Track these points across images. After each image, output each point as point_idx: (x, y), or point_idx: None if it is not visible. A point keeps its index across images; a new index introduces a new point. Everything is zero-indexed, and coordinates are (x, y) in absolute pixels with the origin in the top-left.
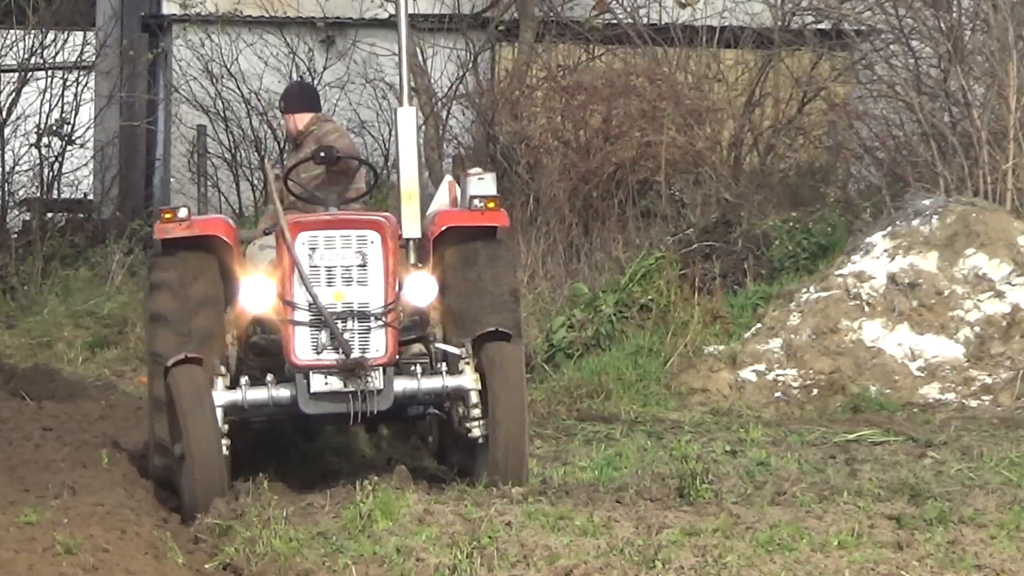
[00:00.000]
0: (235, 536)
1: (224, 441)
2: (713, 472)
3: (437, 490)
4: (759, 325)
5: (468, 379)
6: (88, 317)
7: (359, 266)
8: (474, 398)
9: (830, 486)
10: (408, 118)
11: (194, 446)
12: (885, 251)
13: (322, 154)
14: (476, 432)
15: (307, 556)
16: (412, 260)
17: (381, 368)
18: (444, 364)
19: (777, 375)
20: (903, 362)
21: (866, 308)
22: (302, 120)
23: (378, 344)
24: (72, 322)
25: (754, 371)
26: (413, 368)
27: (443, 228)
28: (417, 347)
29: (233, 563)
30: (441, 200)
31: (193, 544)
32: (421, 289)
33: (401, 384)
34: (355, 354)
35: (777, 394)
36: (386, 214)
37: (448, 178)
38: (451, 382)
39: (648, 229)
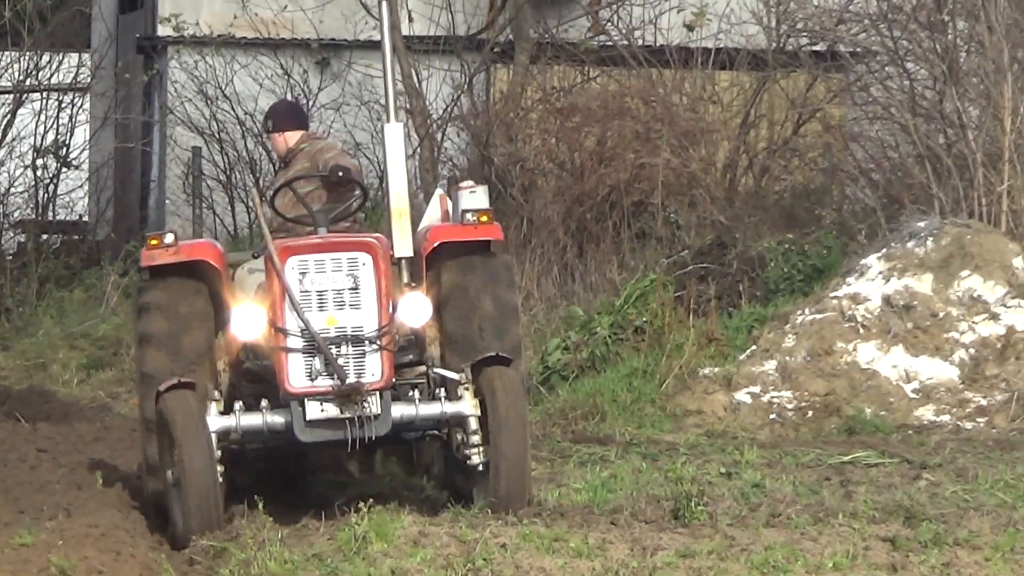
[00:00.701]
0: (230, 558)
1: (218, 468)
2: (708, 494)
3: (432, 512)
4: (754, 347)
5: (467, 405)
6: (83, 339)
7: (351, 289)
8: (473, 424)
9: (825, 508)
10: (396, 134)
11: (189, 473)
12: (880, 273)
13: (340, 173)
14: (476, 459)
15: None
16: (405, 279)
17: (378, 393)
18: (443, 390)
19: (772, 397)
20: (898, 384)
21: (861, 330)
22: (292, 138)
23: (374, 368)
24: (67, 344)
25: (749, 393)
26: (411, 393)
27: (435, 244)
28: (420, 368)
29: None
30: (432, 215)
31: (188, 566)
32: (415, 310)
33: (399, 410)
34: (350, 379)
35: (772, 416)
36: (377, 235)
37: (439, 191)
38: (450, 408)
39: (643, 251)
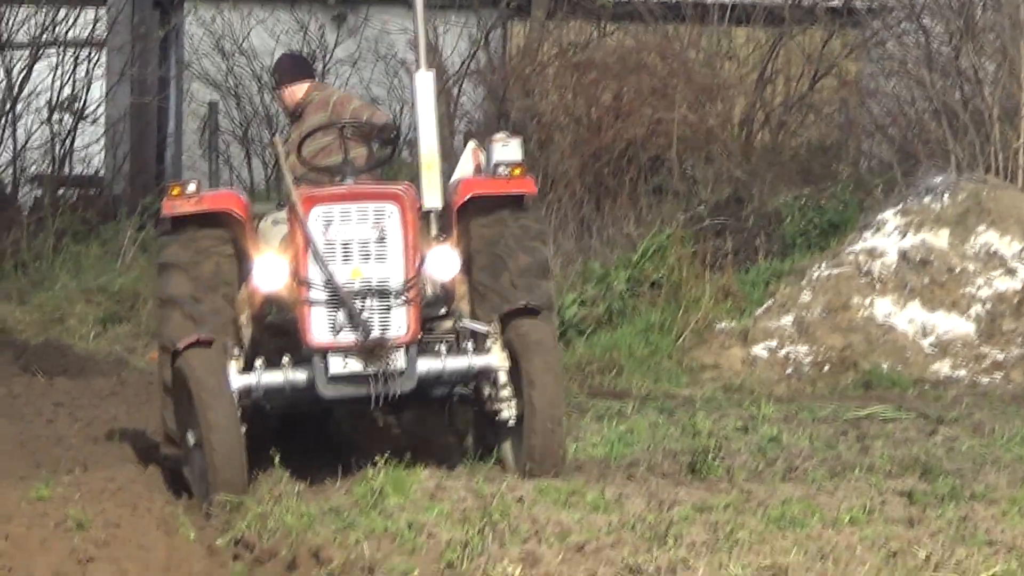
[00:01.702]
0: (246, 511)
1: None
2: (724, 448)
3: (448, 466)
4: (771, 302)
5: (496, 358)
6: (100, 293)
7: (377, 240)
8: (503, 378)
9: (842, 462)
10: (426, 83)
11: (212, 433)
12: (896, 228)
13: (384, 132)
14: (505, 414)
15: (318, 532)
16: (434, 233)
17: (403, 348)
18: (471, 343)
19: (789, 351)
20: (914, 339)
21: (877, 285)
22: (300, 90)
23: (399, 322)
24: (83, 298)
25: (766, 347)
26: (437, 347)
27: (467, 197)
28: (448, 324)
29: (244, 538)
30: (465, 168)
31: (204, 520)
32: (444, 263)
33: (425, 364)
34: (375, 333)
35: (789, 370)
36: (405, 184)
37: (472, 144)
38: (478, 361)
39: (660, 206)
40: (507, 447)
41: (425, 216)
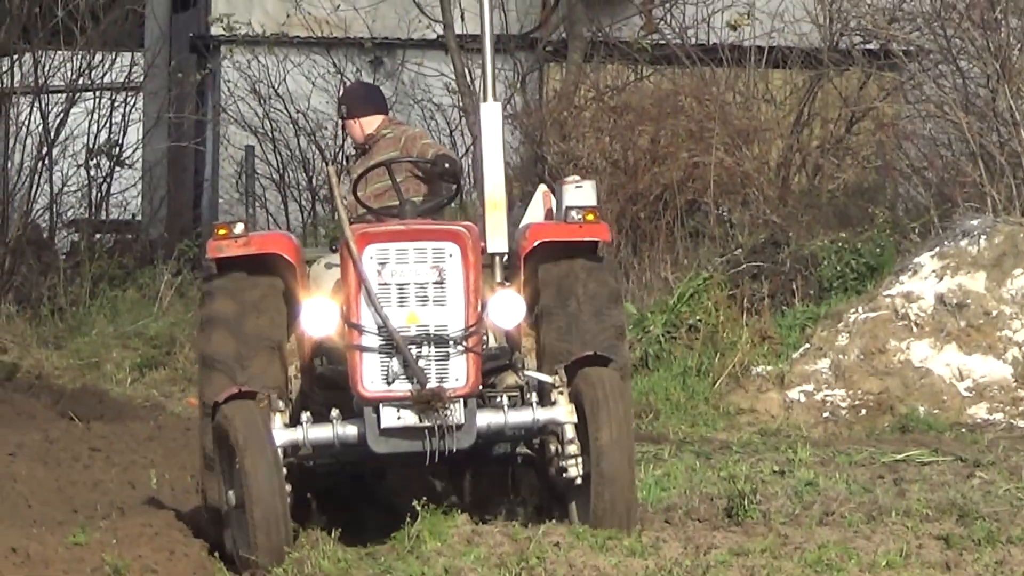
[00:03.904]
0: (283, 556)
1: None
2: (761, 492)
3: (485, 510)
4: (807, 345)
5: (563, 411)
6: (136, 338)
7: (436, 283)
8: (570, 433)
9: (878, 506)
10: (493, 114)
11: (254, 493)
12: (933, 271)
13: (446, 164)
14: (573, 472)
15: None
16: (498, 279)
17: (462, 400)
18: (535, 395)
19: (825, 395)
20: (951, 382)
21: (914, 328)
22: (371, 124)
23: (458, 372)
24: (120, 343)
25: (802, 391)
26: (499, 400)
27: (535, 244)
28: (511, 379)
29: None
30: (535, 212)
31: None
32: (508, 309)
33: (485, 418)
34: (431, 384)
35: (825, 414)
36: (467, 224)
37: (542, 188)
38: (543, 415)
39: (696, 250)
40: (574, 508)
41: (489, 261)
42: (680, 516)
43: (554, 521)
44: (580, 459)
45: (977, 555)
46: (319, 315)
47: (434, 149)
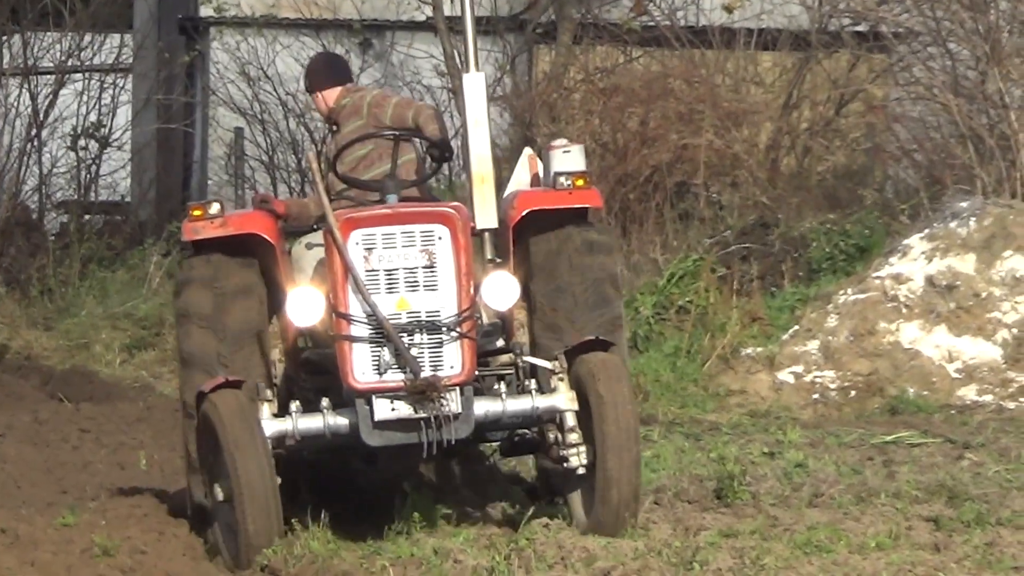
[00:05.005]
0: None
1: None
2: (751, 474)
3: (475, 492)
4: (797, 327)
5: (563, 398)
6: (125, 319)
7: (426, 267)
8: (571, 420)
9: (868, 488)
10: (477, 85)
11: (243, 486)
12: (923, 253)
13: (434, 151)
14: (575, 461)
15: (345, 558)
16: (489, 255)
17: (458, 388)
18: (533, 381)
19: (815, 377)
20: (940, 364)
21: (904, 310)
22: (331, 96)
23: (452, 360)
24: (109, 324)
25: (792, 373)
26: (496, 387)
27: (524, 213)
28: (505, 357)
29: (271, 565)
30: (520, 178)
31: None
32: (502, 291)
33: (482, 406)
34: (425, 373)
35: (815, 396)
36: (455, 204)
37: (528, 151)
38: (542, 402)
39: (686, 231)
40: (575, 499)
41: (478, 237)
42: (670, 498)
43: (544, 503)
44: (582, 448)
45: (966, 536)
46: (305, 305)
47: (411, 110)
